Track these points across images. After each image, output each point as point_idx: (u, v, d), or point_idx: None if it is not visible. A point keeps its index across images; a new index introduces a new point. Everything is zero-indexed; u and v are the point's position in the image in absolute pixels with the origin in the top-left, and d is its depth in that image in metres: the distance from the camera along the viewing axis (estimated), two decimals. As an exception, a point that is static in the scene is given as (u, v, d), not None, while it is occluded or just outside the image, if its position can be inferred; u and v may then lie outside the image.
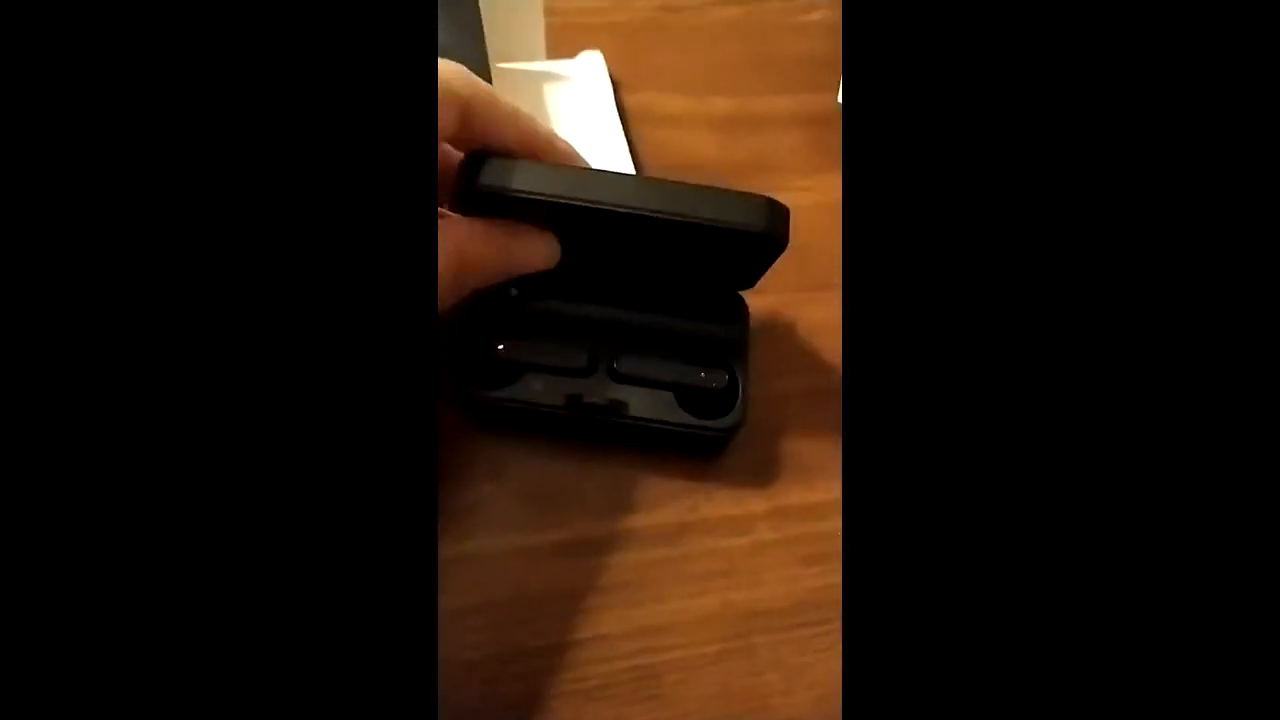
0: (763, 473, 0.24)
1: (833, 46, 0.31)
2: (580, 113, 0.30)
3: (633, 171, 0.29)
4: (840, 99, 0.29)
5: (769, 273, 0.26)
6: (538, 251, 0.21)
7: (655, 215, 0.19)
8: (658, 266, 0.23)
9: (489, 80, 0.28)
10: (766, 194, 0.21)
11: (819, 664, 0.21)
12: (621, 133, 0.30)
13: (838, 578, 0.22)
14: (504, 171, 0.19)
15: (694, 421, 0.22)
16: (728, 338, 0.24)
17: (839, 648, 0.21)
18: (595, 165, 0.21)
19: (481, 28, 0.26)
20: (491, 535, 0.22)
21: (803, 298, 0.27)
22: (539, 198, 0.19)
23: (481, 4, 0.26)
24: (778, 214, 0.20)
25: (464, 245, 0.19)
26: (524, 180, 0.19)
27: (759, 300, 0.26)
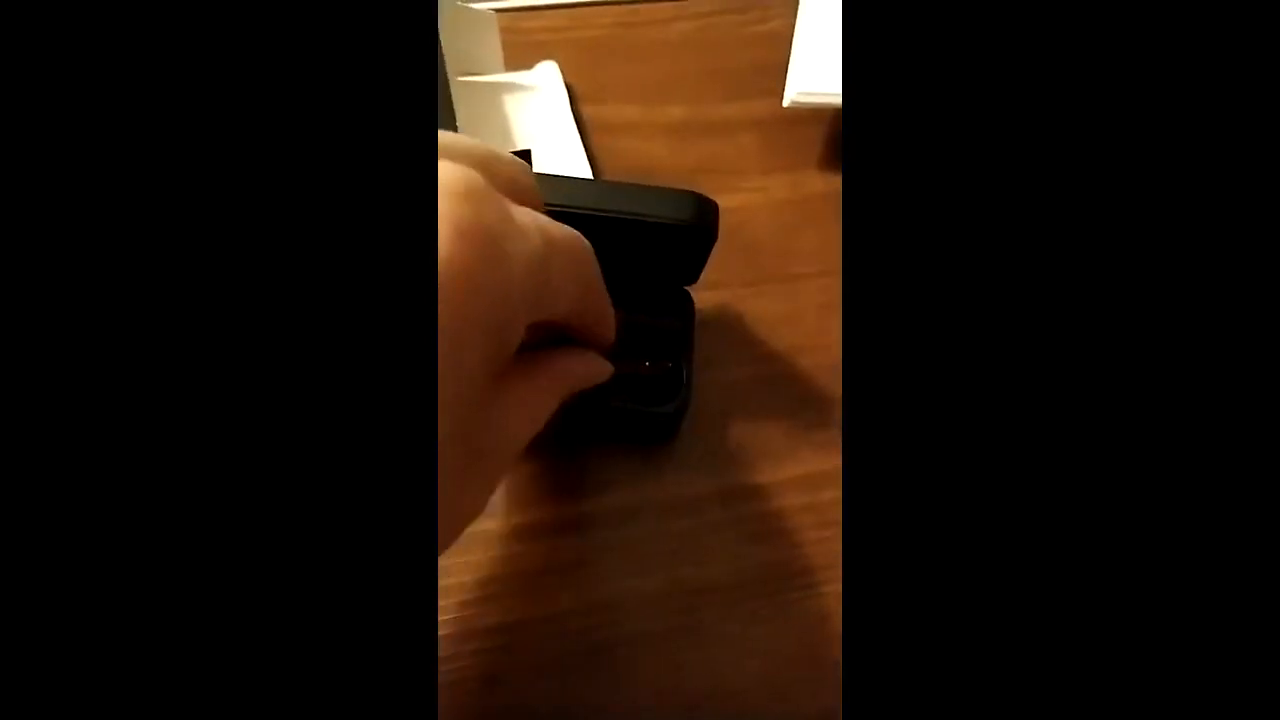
0: (710, 457, 0.25)
1: (782, 54, 0.32)
2: (539, 121, 0.31)
3: (590, 175, 0.30)
4: (785, 101, 0.30)
5: (720, 268, 0.28)
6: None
7: (590, 213, 0.20)
8: (602, 264, 0.24)
9: (447, 93, 0.29)
10: (719, 195, 0.23)
11: (765, 637, 0.22)
12: (578, 138, 0.31)
13: (782, 554, 0.23)
14: None
15: (640, 407, 0.23)
16: (674, 329, 0.25)
17: (784, 621, 0.22)
18: (554, 171, 0.23)
19: (438, 41, 0.27)
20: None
21: (751, 291, 0.28)
22: None
23: (438, 20, 0.28)
24: (705, 207, 0.22)
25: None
26: None
27: (711, 295, 0.28)
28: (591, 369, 0.20)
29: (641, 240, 0.22)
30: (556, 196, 0.20)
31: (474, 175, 0.14)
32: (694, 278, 0.25)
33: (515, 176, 0.17)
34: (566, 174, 0.29)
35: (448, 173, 0.14)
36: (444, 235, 0.13)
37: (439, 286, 0.13)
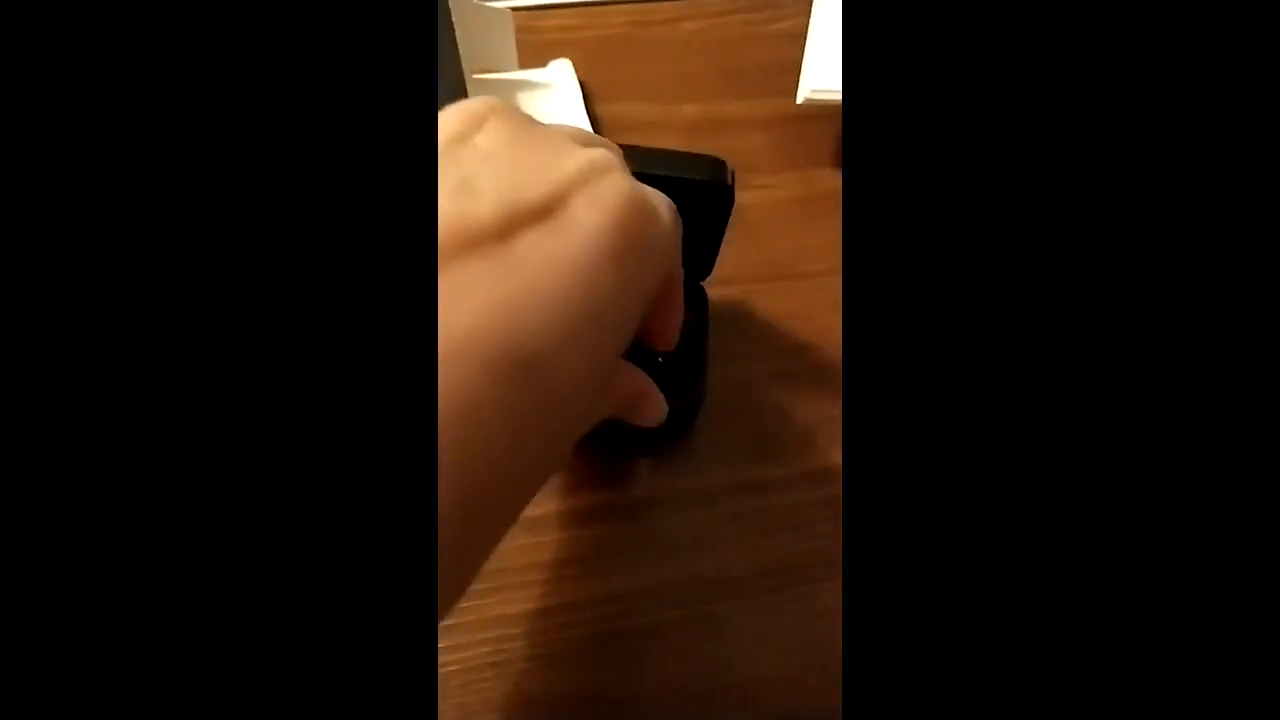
0: (725, 450, 0.25)
1: (794, 52, 0.33)
2: (554, 118, 0.32)
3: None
4: (799, 99, 0.31)
5: (732, 265, 0.28)
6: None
7: None
8: None
9: (465, 89, 0.29)
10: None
11: (778, 628, 0.22)
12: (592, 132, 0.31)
13: (796, 547, 0.23)
14: None
15: None
16: (689, 319, 0.25)
17: (798, 612, 0.22)
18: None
19: (454, 39, 0.28)
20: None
21: (764, 288, 0.29)
22: None
23: (455, 18, 0.28)
24: (721, 167, 0.22)
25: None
26: None
27: (723, 291, 0.28)
28: (652, 403, 0.20)
29: None
30: None
31: (617, 150, 0.16)
32: (708, 267, 0.25)
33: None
34: None
35: (598, 153, 0.15)
36: (611, 204, 0.14)
37: (615, 249, 0.14)
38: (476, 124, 0.15)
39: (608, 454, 0.25)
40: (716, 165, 0.22)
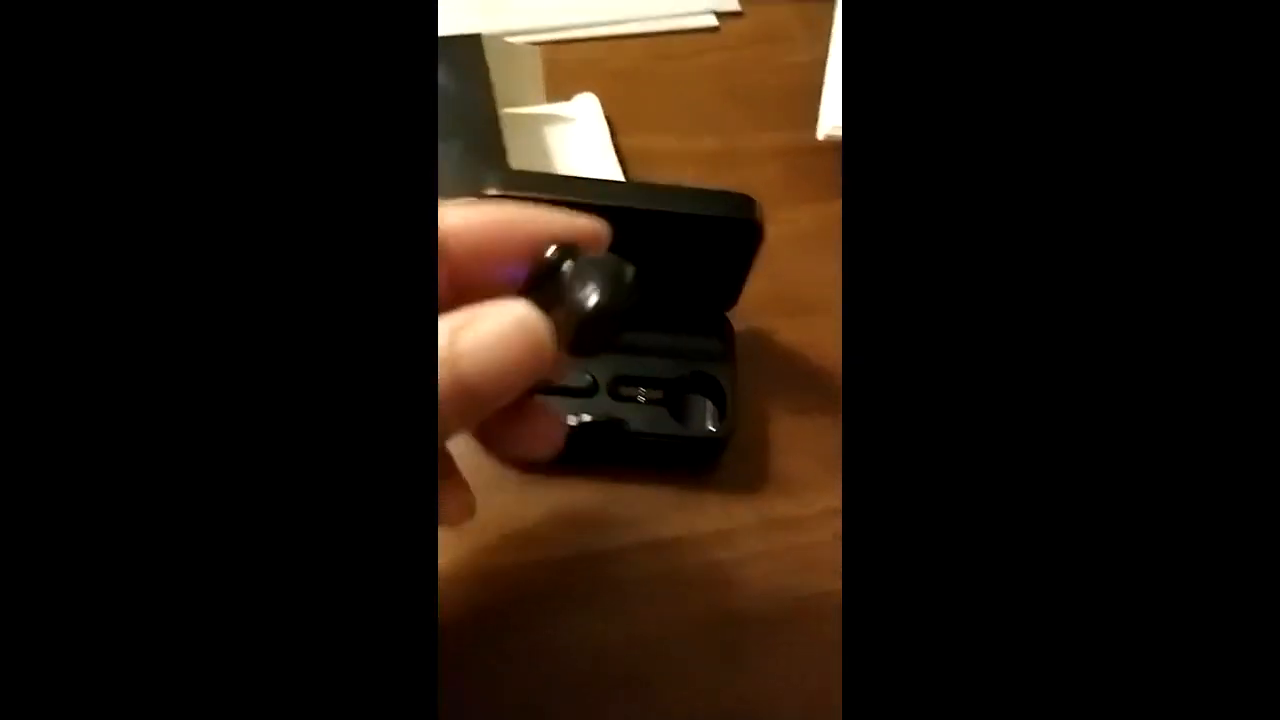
0: (751, 488, 0.25)
1: (812, 84, 0.33)
2: (580, 151, 0.32)
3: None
4: (819, 135, 0.31)
5: (752, 298, 0.28)
6: None
7: (635, 209, 0.21)
8: (645, 276, 0.25)
9: (497, 125, 0.30)
10: None
11: (806, 671, 0.22)
12: (617, 165, 0.32)
13: (825, 587, 0.23)
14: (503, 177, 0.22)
15: (687, 432, 0.24)
16: (714, 351, 0.26)
17: (826, 655, 0.22)
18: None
19: (489, 77, 0.28)
20: (492, 550, 0.23)
21: (785, 322, 0.29)
22: (529, 197, 0.19)
23: (488, 56, 0.28)
24: (748, 204, 0.23)
25: None
26: (517, 183, 0.21)
27: (743, 325, 0.28)
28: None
29: (686, 240, 0.22)
30: (603, 196, 0.21)
31: None
32: (734, 295, 0.25)
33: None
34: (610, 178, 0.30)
35: None
36: None
37: None
38: None
39: (633, 492, 0.25)
40: (746, 203, 0.23)
